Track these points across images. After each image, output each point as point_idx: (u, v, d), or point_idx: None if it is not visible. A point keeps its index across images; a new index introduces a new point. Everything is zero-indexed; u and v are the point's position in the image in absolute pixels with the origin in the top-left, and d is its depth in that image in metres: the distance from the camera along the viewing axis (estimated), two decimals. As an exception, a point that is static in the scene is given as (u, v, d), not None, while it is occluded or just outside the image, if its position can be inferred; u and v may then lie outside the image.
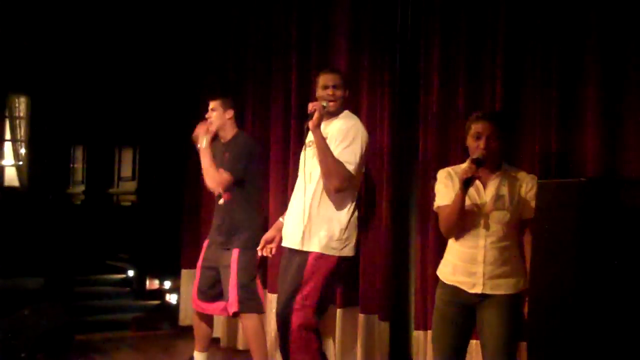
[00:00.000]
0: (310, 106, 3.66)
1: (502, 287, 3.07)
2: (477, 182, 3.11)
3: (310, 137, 3.77)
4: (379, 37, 4.39)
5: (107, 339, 4.91)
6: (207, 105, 4.66)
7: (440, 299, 3.24)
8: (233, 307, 4.39)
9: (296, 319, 3.63)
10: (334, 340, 4.51)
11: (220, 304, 4.53)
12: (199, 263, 4.66)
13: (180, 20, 6.85)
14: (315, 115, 3.60)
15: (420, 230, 4.01)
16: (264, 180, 4.91)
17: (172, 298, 7.22)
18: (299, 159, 3.96)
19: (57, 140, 9.77)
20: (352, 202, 3.76)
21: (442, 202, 3.21)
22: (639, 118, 2.98)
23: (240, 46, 5.86)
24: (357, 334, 4.36)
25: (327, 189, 3.67)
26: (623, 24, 3.10)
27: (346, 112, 3.85)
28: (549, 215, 2.39)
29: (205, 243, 4.68)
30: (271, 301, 4.97)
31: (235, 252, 4.43)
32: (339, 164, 3.60)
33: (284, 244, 3.87)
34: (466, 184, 3.02)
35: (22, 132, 10.38)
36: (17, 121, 10.39)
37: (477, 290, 3.09)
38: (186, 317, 6.43)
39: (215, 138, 4.63)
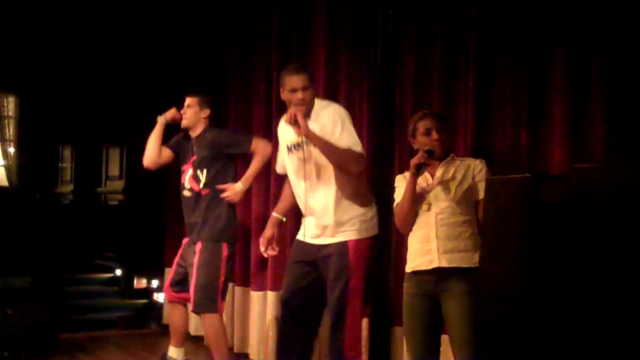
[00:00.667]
0: (290, 114, 3.59)
1: (457, 261, 3.16)
2: (426, 173, 3.26)
3: (289, 139, 3.80)
4: (357, 36, 4.44)
5: (93, 338, 4.94)
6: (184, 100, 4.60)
7: (407, 292, 3.34)
8: (191, 305, 4.44)
9: (352, 309, 3.64)
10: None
11: (186, 295, 4.55)
12: (176, 259, 4.69)
13: (166, 20, 6.91)
14: (300, 122, 3.52)
15: (396, 228, 4.04)
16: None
17: (159, 297, 7.25)
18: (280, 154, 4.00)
19: (46, 140, 9.78)
20: (365, 182, 3.85)
21: (398, 200, 3.34)
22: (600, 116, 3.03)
23: (224, 45, 5.93)
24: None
25: (346, 175, 3.65)
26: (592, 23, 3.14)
27: (317, 101, 3.76)
28: (496, 210, 2.46)
29: (184, 241, 4.70)
30: (272, 300, 5.00)
31: (197, 248, 4.44)
32: (346, 151, 3.58)
33: (311, 241, 3.80)
34: (418, 168, 3.17)
35: (10, 132, 10.35)
36: (6, 121, 10.35)
37: (434, 264, 3.19)
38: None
39: (184, 136, 4.63)
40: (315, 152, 3.66)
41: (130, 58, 8.00)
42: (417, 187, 3.25)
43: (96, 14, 8.23)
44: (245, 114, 5.52)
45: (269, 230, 4.00)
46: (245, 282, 5.39)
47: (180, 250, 4.69)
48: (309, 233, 3.82)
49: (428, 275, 3.21)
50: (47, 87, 9.41)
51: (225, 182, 4.48)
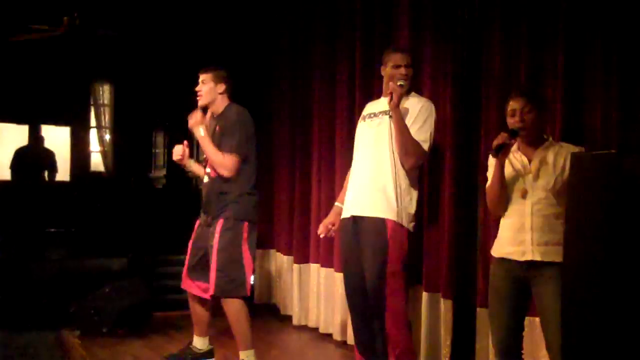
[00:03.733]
0: (391, 86, 3.72)
1: (552, 255, 3.06)
2: (523, 156, 3.16)
3: (370, 109, 3.88)
4: (441, 20, 4.40)
5: (185, 316, 5.10)
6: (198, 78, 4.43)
7: (494, 274, 3.28)
8: (210, 289, 4.23)
9: (391, 284, 3.71)
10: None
11: (200, 284, 4.39)
12: (190, 242, 4.50)
13: (251, 4, 7.00)
14: (395, 95, 3.67)
15: (484, 208, 4.01)
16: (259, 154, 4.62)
17: (252, 278, 7.40)
18: None
19: (140, 126, 10.08)
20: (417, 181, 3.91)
21: (489, 180, 3.26)
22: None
23: (308, 30, 5.98)
24: (421, 311, 4.42)
25: (402, 162, 3.78)
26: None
27: (413, 92, 3.94)
28: (579, 185, 2.41)
29: (197, 223, 4.52)
30: (336, 280, 5.08)
31: (217, 230, 4.24)
32: (415, 143, 3.68)
33: (352, 213, 3.89)
34: (498, 150, 3.08)
35: (106, 119, 10.74)
36: (102, 108, 10.75)
37: (527, 257, 3.11)
38: (261, 295, 6.65)
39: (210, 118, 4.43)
40: (387, 127, 3.79)
41: (219, 42, 8.13)
42: (511, 170, 3.16)
43: (186, 2, 8.41)
44: (329, 97, 5.58)
45: (330, 218, 4.17)
46: (330, 264, 5.46)
47: (194, 232, 4.51)
48: (355, 201, 3.89)
49: (519, 264, 3.14)
50: (141, 75, 9.70)
51: (246, 167, 4.30)
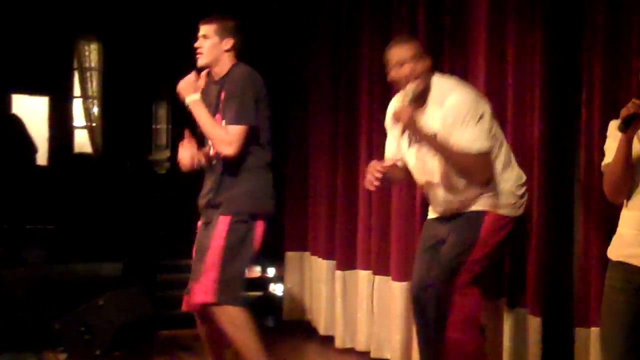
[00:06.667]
0: (395, 115, 3.85)
1: None
2: None
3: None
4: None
5: (195, 336, 5.14)
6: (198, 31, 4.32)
7: (609, 285, 3.19)
8: (206, 294, 4.12)
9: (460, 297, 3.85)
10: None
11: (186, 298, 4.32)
12: (194, 252, 4.44)
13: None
14: (403, 122, 3.79)
15: (584, 203, 4.02)
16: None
17: (276, 288, 7.44)
18: None
19: (136, 96, 10.11)
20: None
21: (609, 159, 3.17)
22: None
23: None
24: (503, 330, 4.43)
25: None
26: None
27: (442, 78, 4.02)
28: None
29: (199, 223, 4.48)
30: (394, 290, 5.11)
31: (222, 222, 4.18)
32: (466, 159, 3.76)
33: (437, 214, 4.12)
34: (627, 122, 2.95)
35: (93, 87, 10.81)
36: (88, 74, 10.81)
37: None
38: (293, 309, 6.69)
39: (210, 82, 4.35)
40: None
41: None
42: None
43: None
44: (381, 69, 5.57)
45: (385, 164, 4.04)
46: (385, 270, 5.47)
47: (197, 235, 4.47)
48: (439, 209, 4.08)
49: None
50: (137, 31, 9.70)
51: (251, 141, 4.22)
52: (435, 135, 3.80)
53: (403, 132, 3.94)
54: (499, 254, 4.17)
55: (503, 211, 3.99)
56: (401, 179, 4.42)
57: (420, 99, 3.90)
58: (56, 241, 8.28)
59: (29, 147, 9.07)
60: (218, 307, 4.13)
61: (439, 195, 4.06)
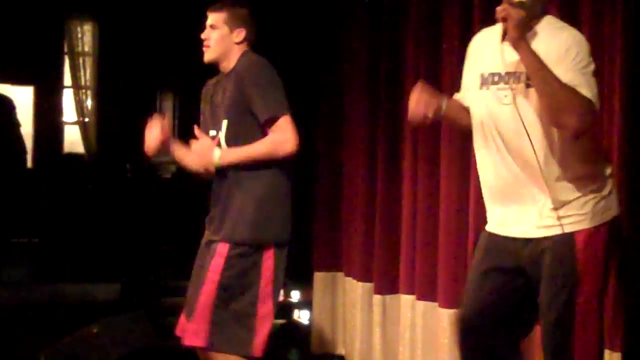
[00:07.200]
0: (499, 10, 3.59)
1: None
2: None
3: (488, 65, 3.84)
4: None
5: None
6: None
7: None
8: (197, 338, 4.19)
9: (584, 336, 3.65)
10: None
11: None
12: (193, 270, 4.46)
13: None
14: (511, 24, 3.54)
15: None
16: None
17: (302, 315, 7.46)
18: None
19: (137, 86, 10.18)
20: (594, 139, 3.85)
21: None
22: None
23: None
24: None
25: (560, 132, 3.65)
26: None
27: (549, 18, 3.78)
28: None
29: (204, 238, 4.48)
30: (442, 317, 5.12)
31: (220, 252, 4.20)
32: (570, 90, 3.57)
33: (504, 233, 3.85)
34: None
35: (87, 75, 10.86)
36: (80, 59, 10.87)
37: None
38: (322, 341, 6.71)
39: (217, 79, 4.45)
40: (526, 96, 3.68)
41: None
42: None
43: None
44: (431, 55, 5.59)
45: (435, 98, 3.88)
46: (432, 295, 5.48)
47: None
48: (505, 221, 3.84)
49: None
50: (137, 11, 9.77)
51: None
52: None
53: (504, 36, 3.64)
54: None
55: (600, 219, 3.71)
56: (464, 126, 4.07)
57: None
58: (42, 257, 8.33)
59: (15, 142, 8.56)
60: (211, 352, 4.20)
61: (521, 182, 3.75)
